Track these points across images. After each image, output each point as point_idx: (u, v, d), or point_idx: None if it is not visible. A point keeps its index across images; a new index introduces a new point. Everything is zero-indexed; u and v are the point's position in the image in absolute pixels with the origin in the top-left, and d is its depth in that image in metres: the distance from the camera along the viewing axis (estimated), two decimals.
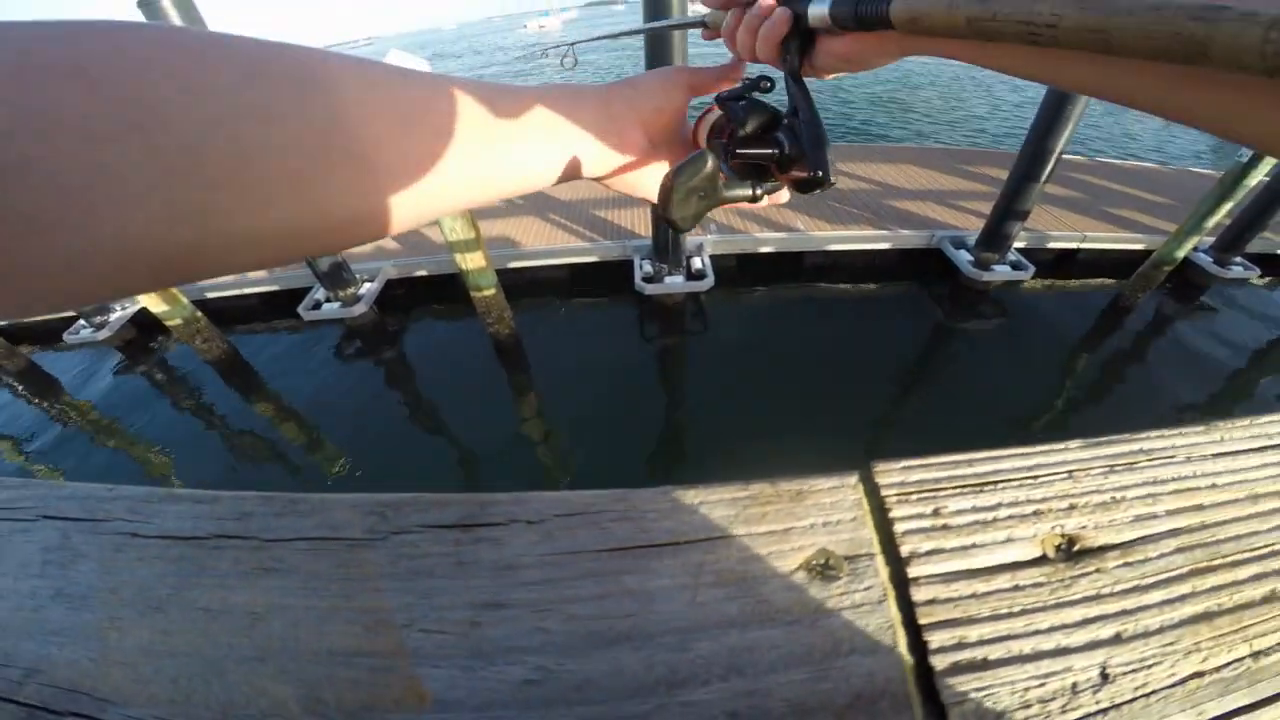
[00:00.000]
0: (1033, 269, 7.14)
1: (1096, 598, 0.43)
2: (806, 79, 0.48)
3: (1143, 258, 7.37)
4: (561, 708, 0.36)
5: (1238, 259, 7.73)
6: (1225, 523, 0.49)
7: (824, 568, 0.43)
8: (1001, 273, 7.15)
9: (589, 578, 0.41)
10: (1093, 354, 7.13)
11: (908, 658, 0.39)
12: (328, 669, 0.40)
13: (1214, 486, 0.51)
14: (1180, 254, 6.96)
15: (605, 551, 0.43)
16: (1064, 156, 6.40)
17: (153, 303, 6.40)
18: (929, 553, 0.44)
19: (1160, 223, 8.12)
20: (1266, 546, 0.47)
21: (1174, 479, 0.51)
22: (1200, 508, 0.49)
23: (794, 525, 0.45)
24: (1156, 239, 7.53)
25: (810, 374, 6.51)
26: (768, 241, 7.67)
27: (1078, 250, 8.01)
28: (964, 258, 7.32)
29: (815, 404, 5.97)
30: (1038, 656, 0.40)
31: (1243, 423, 0.58)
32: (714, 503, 0.46)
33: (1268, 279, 7.94)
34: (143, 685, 0.42)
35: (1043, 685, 0.39)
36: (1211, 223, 6.61)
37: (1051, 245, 7.91)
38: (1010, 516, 0.46)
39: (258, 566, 0.47)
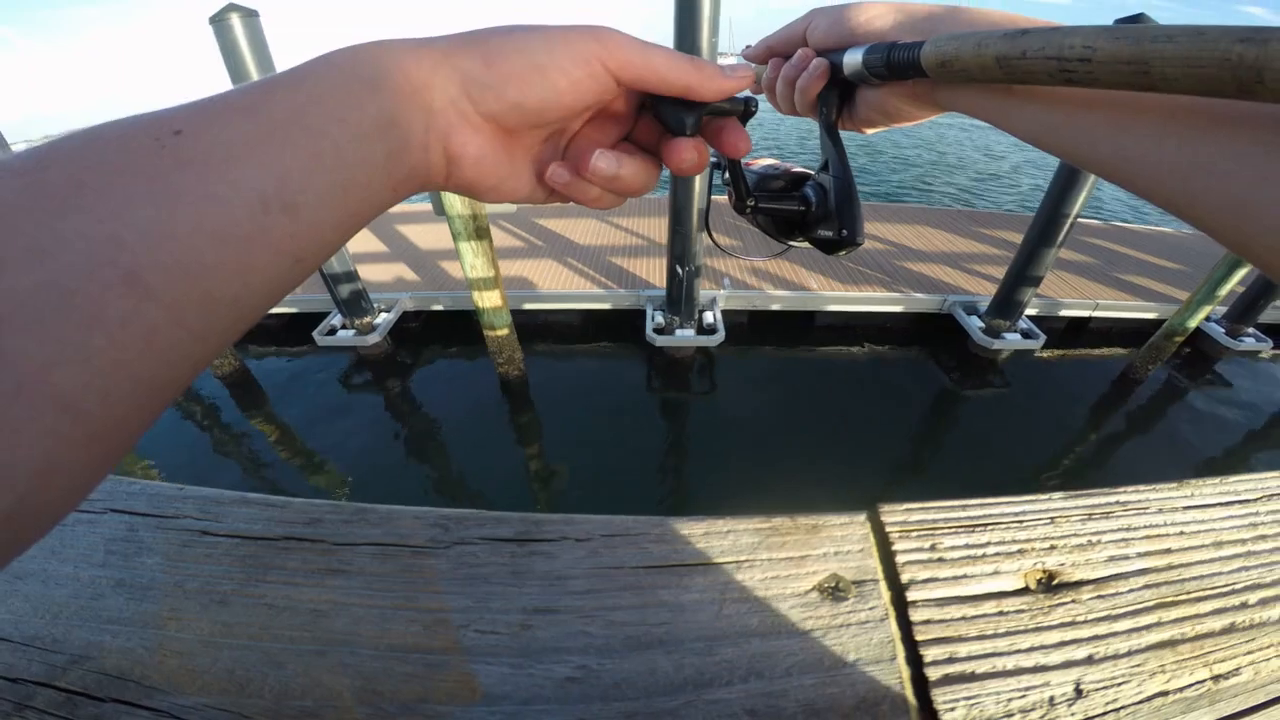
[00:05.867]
0: (1043, 338, 7.16)
1: (1072, 624, 0.48)
2: (848, 133, 0.47)
3: (1155, 326, 7.37)
4: (600, 703, 0.42)
5: (1250, 330, 7.71)
6: (1191, 564, 0.54)
7: (834, 590, 0.49)
8: (1012, 341, 7.18)
9: (628, 590, 0.48)
10: (1100, 427, 7.08)
11: (906, 669, 0.45)
12: (385, 663, 0.46)
13: (1182, 534, 0.57)
14: (1192, 324, 6.95)
15: (643, 568, 0.49)
16: (1078, 220, 6.49)
17: None
18: (926, 580, 0.50)
19: (1173, 290, 8.16)
20: (1227, 585, 0.53)
21: (1146, 526, 0.57)
22: (1169, 551, 0.55)
23: (810, 553, 0.51)
24: (1169, 307, 7.54)
25: (816, 435, 6.52)
26: (779, 299, 7.80)
27: (1090, 319, 8.05)
28: (975, 324, 7.37)
29: (818, 465, 5.96)
30: (1019, 672, 0.45)
31: (1213, 481, 0.64)
32: (740, 531, 0.53)
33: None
34: (197, 675, 0.46)
35: (1024, 697, 0.44)
36: (1224, 291, 6.62)
37: (1064, 313, 7.96)
38: (998, 553, 0.52)
39: (325, 568, 0.52)
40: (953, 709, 0.43)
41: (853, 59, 0.41)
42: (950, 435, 6.98)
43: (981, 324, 7.33)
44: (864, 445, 6.40)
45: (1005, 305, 7.14)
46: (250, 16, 5.71)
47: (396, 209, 10.94)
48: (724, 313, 7.50)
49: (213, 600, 0.51)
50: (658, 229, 8.40)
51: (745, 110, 0.38)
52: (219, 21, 5.65)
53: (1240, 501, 0.62)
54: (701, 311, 7.29)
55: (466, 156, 0.32)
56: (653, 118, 0.38)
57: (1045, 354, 7.68)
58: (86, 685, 0.47)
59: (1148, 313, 7.91)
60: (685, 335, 7.06)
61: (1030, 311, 7.44)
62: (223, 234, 0.23)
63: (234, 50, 5.74)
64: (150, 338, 0.21)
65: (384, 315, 7.53)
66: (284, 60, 5.93)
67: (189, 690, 0.46)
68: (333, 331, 7.32)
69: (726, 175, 0.46)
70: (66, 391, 0.19)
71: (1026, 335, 7.24)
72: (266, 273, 0.25)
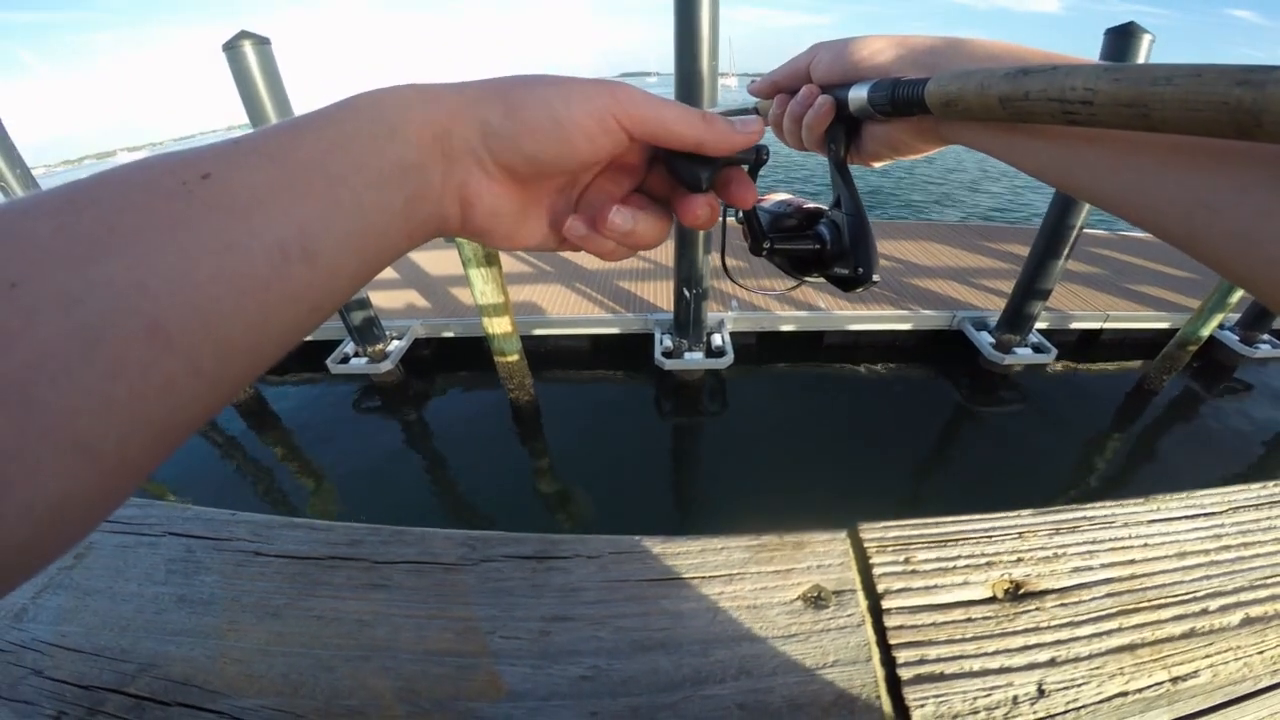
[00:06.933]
0: (1055, 352, 7.08)
1: (1036, 629, 0.53)
2: (855, 166, 0.47)
3: (1167, 336, 7.28)
4: (609, 698, 0.47)
5: (1265, 336, 7.57)
6: (1153, 574, 0.59)
7: (817, 599, 0.54)
8: (1023, 356, 7.12)
9: (634, 600, 0.54)
10: (1116, 440, 6.97)
11: (880, 669, 0.50)
12: (423, 666, 0.51)
13: (1146, 546, 0.62)
14: (1205, 332, 6.85)
15: (647, 581, 0.55)
16: (1085, 231, 6.44)
17: None
18: (899, 590, 0.55)
19: (1184, 298, 8.07)
20: (1188, 594, 0.58)
21: (1111, 539, 0.62)
22: (1132, 562, 0.60)
23: (795, 566, 0.57)
24: (1181, 316, 7.46)
25: (826, 455, 6.47)
26: (788, 320, 7.82)
27: (1101, 330, 7.99)
28: (985, 340, 7.32)
29: (828, 485, 5.91)
30: (985, 673, 0.50)
31: (1180, 495, 0.68)
32: (733, 548, 0.59)
33: None
34: (254, 679, 0.52)
35: (989, 695, 0.49)
36: (1235, 298, 6.54)
37: (1074, 326, 7.90)
38: (967, 565, 0.58)
39: (367, 583, 0.59)
40: (923, 705, 0.48)
41: (857, 95, 0.41)
42: (964, 452, 6.92)
43: (991, 339, 7.28)
44: (875, 465, 6.37)
45: (1015, 320, 7.10)
46: (262, 44, 5.83)
47: None
48: (732, 334, 7.51)
49: (267, 613, 0.58)
50: (664, 252, 8.48)
51: (757, 159, 0.38)
52: (232, 49, 5.77)
53: (1205, 514, 0.67)
54: (709, 334, 7.30)
55: (481, 204, 0.33)
56: (665, 170, 0.38)
57: (1057, 368, 7.62)
58: (154, 691, 0.53)
59: (1160, 322, 7.82)
60: (694, 358, 7.06)
61: (1040, 325, 7.37)
62: (243, 283, 0.23)
63: (247, 77, 5.85)
64: (168, 386, 0.21)
65: (396, 342, 7.61)
66: (295, 87, 6.05)
67: (248, 693, 0.52)
68: (346, 359, 7.40)
69: (740, 214, 0.47)
70: (86, 437, 0.19)
71: (1037, 349, 7.18)
72: (283, 321, 0.25)
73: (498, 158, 0.32)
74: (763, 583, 0.56)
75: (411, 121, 0.29)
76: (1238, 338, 7.61)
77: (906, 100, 0.37)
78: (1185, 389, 7.62)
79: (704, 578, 0.55)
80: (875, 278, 0.42)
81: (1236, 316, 7.58)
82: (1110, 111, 0.24)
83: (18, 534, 0.19)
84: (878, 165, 0.49)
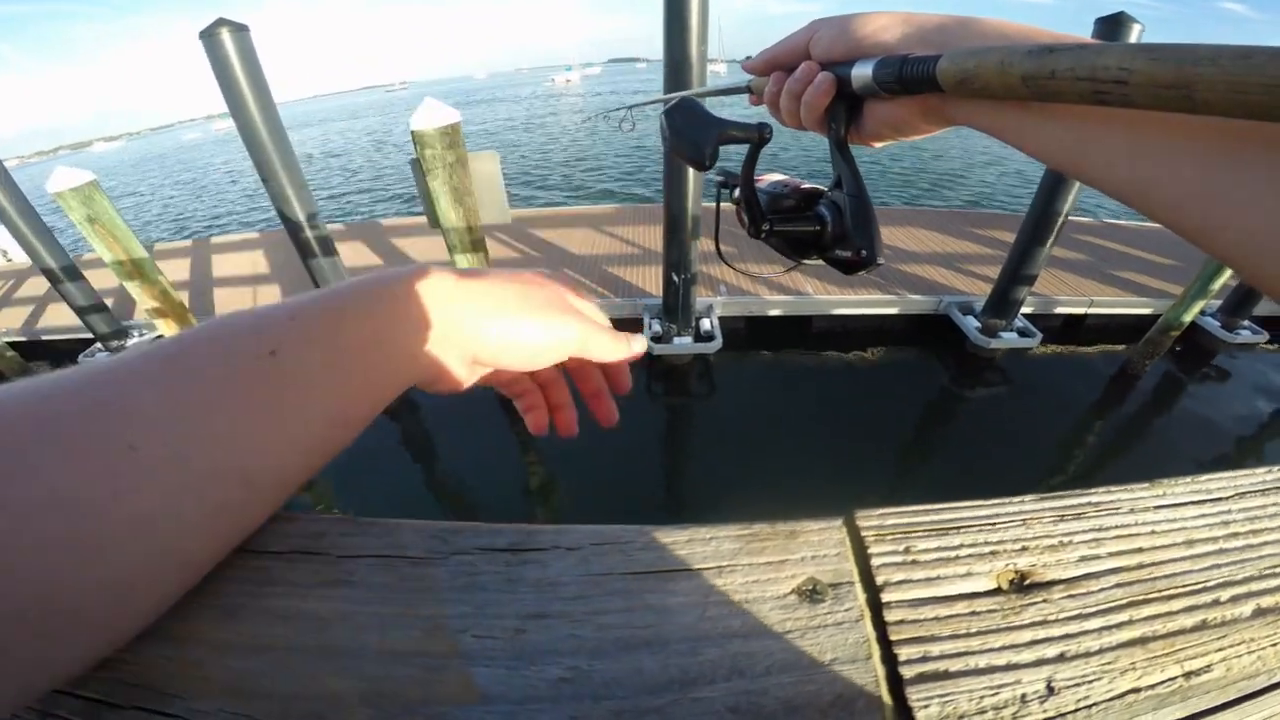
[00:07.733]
0: (1040, 336, 7.19)
1: (1043, 623, 0.50)
2: (854, 146, 0.46)
3: (1150, 322, 7.40)
4: (590, 701, 0.44)
5: (1246, 323, 7.73)
6: (1162, 563, 0.56)
7: (812, 592, 0.51)
8: (1008, 340, 7.21)
9: (617, 595, 0.50)
10: (1100, 422, 7.09)
11: (880, 667, 0.47)
12: (388, 668, 0.48)
13: (1153, 533, 0.59)
14: (1187, 318, 7.00)
15: (631, 574, 0.51)
16: (1070, 218, 6.54)
17: (168, 327, 6.67)
18: (900, 582, 0.52)
19: (1167, 285, 8.19)
20: (1198, 583, 0.55)
21: (1117, 526, 0.59)
22: (1140, 550, 0.57)
23: (788, 558, 0.54)
24: (1164, 302, 7.57)
25: (814, 439, 6.53)
26: (776, 304, 7.83)
27: (1085, 316, 8.10)
28: (971, 324, 7.39)
29: (817, 469, 5.93)
30: (991, 670, 0.47)
31: (1185, 480, 0.66)
32: (723, 538, 0.55)
33: (1277, 345, 7.90)
34: (210, 681, 0.47)
35: (996, 694, 0.46)
36: (1217, 285, 6.65)
37: (1059, 310, 8.00)
38: (970, 555, 0.55)
39: (329, 579, 0.54)
40: (927, 706, 0.45)
41: (861, 72, 0.40)
42: (950, 435, 7.01)
43: (977, 323, 7.36)
44: (863, 448, 6.42)
45: (1000, 304, 7.18)
46: (240, 31, 5.67)
47: (391, 222, 11.01)
48: (721, 319, 7.52)
49: (223, 612, 0.53)
50: (653, 237, 8.41)
51: (760, 139, 0.40)
52: (209, 36, 5.64)
53: (1212, 500, 0.64)
54: (699, 319, 7.31)
55: (444, 380, 0.45)
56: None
57: (1042, 351, 7.70)
58: (108, 693, 0.49)
59: (1143, 308, 7.95)
60: (683, 343, 7.08)
61: (1026, 310, 7.48)
62: (304, 444, 0.33)
63: (225, 65, 5.72)
64: (253, 518, 0.32)
65: None
66: (275, 75, 5.92)
67: (203, 695, 0.48)
68: None
69: (737, 196, 0.46)
70: (190, 557, 0.31)
71: (1023, 334, 7.29)
72: (322, 465, 0.35)
73: (475, 363, 0.44)
74: (754, 575, 0.52)
75: (418, 323, 0.38)
76: (1219, 324, 7.76)
77: (916, 78, 0.36)
78: (1168, 373, 7.76)
79: (692, 570, 0.52)
80: (879, 260, 0.41)
81: (1218, 303, 7.70)
82: (1146, 92, 0.23)
83: (149, 619, 0.34)
84: (879, 145, 0.48)
